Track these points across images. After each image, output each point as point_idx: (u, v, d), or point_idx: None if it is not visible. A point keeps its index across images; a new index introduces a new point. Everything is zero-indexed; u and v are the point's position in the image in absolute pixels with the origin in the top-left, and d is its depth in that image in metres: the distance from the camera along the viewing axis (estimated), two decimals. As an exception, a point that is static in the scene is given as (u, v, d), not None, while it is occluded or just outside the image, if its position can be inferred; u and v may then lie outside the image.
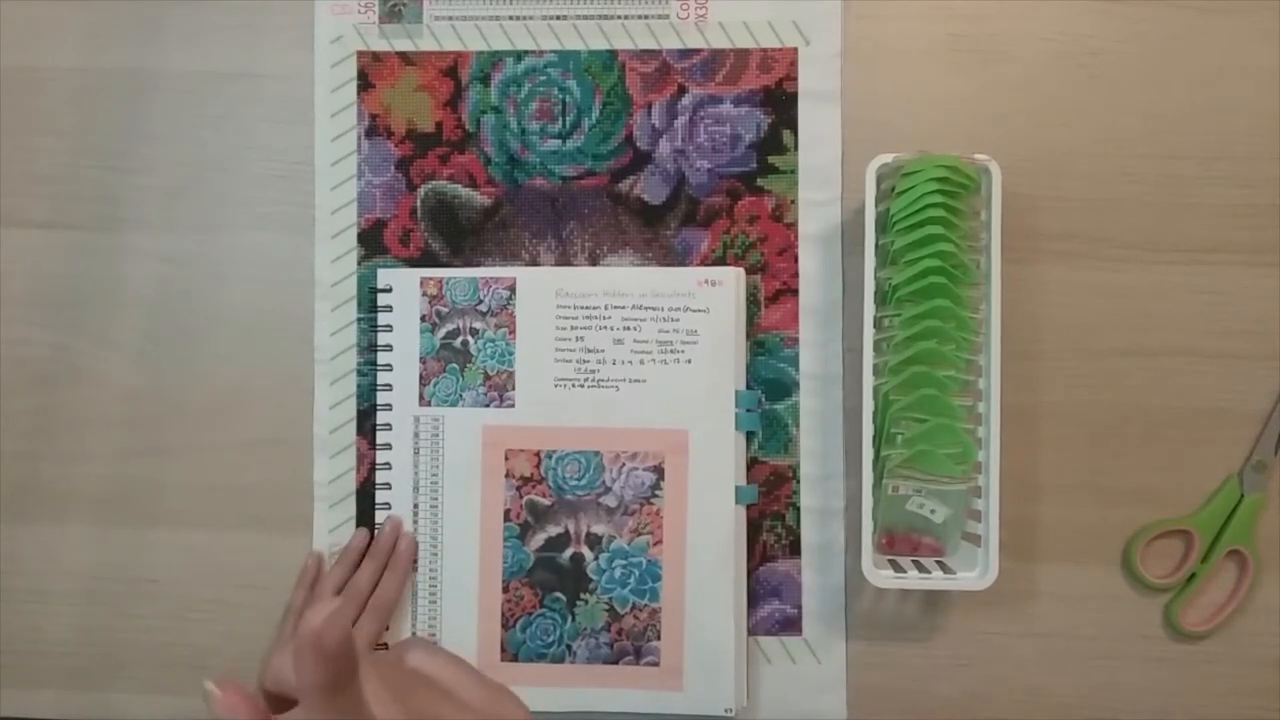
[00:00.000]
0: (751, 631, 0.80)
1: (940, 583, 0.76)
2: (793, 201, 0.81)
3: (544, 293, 0.79)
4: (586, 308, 0.79)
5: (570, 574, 0.79)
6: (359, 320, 0.82)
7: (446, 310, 0.80)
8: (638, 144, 0.81)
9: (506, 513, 0.79)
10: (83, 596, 0.82)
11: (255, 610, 0.81)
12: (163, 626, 0.82)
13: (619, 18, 0.81)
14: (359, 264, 0.82)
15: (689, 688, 0.78)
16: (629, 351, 0.79)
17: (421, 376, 0.80)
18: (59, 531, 0.82)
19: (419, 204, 0.82)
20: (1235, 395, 0.79)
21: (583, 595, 0.79)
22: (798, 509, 0.80)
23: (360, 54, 0.82)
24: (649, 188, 0.81)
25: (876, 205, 0.76)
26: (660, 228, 0.81)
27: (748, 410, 0.79)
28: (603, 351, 0.79)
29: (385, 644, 0.79)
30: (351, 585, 0.77)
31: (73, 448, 0.82)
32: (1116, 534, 0.80)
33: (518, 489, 0.79)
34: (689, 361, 0.78)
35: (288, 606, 0.79)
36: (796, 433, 0.80)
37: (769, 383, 0.80)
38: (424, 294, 0.80)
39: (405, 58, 0.82)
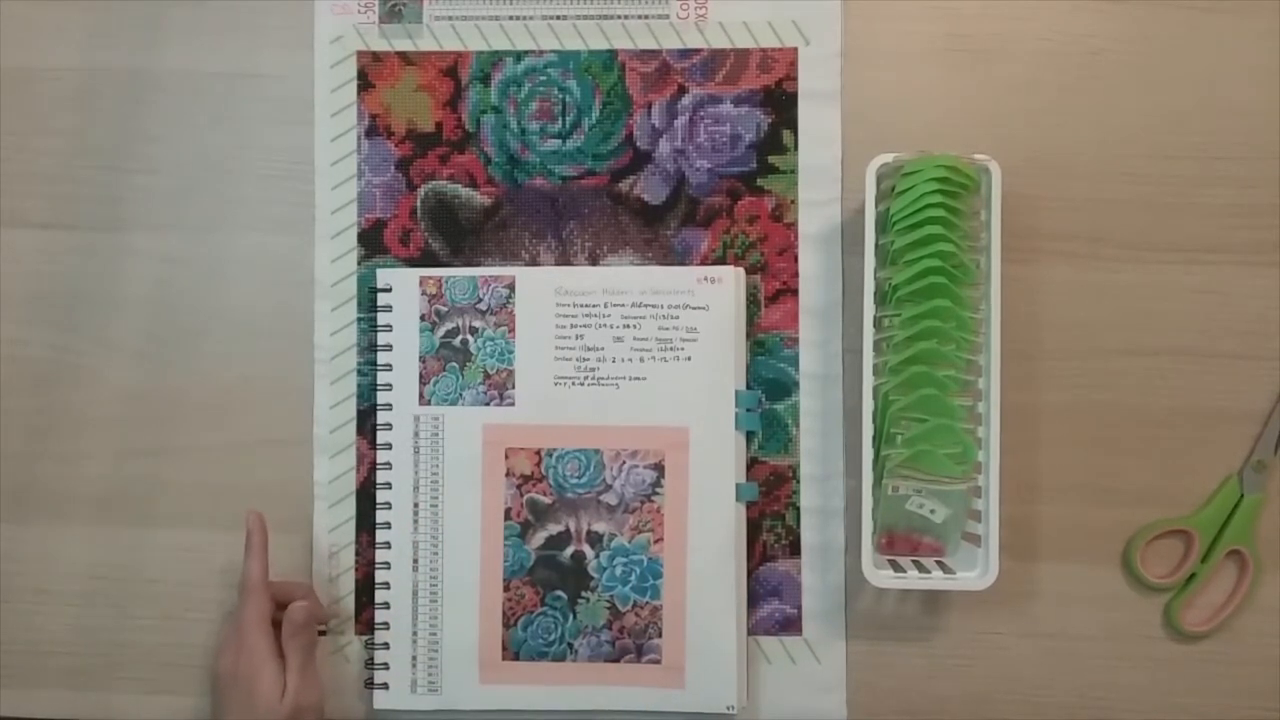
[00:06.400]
0: (751, 631, 0.80)
1: (940, 583, 0.76)
2: (793, 201, 0.81)
3: (543, 291, 0.79)
4: (586, 305, 0.79)
5: (571, 572, 0.79)
6: (359, 320, 0.82)
7: (446, 309, 0.80)
8: (638, 144, 0.81)
9: (507, 511, 0.79)
10: (83, 596, 0.82)
11: (255, 610, 0.81)
12: (163, 626, 0.82)
13: (619, 18, 0.82)
14: (359, 264, 0.82)
15: (691, 685, 0.78)
16: (629, 349, 0.79)
17: (421, 376, 0.80)
18: (59, 531, 0.82)
19: (419, 204, 0.82)
20: (1235, 395, 0.79)
21: (584, 593, 0.79)
22: (798, 509, 0.80)
23: (360, 54, 0.82)
24: (649, 188, 0.81)
25: (876, 205, 0.76)
26: (660, 228, 0.81)
27: (748, 410, 0.79)
28: (602, 349, 0.79)
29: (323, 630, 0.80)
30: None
31: (73, 448, 0.82)
32: (1116, 534, 0.80)
33: (518, 487, 0.79)
34: (689, 359, 0.78)
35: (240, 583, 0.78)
36: (796, 433, 0.80)
37: (769, 383, 0.80)
38: (423, 293, 0.80)
39: (405, 58, 0.82)
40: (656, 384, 0.79)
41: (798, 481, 0.80)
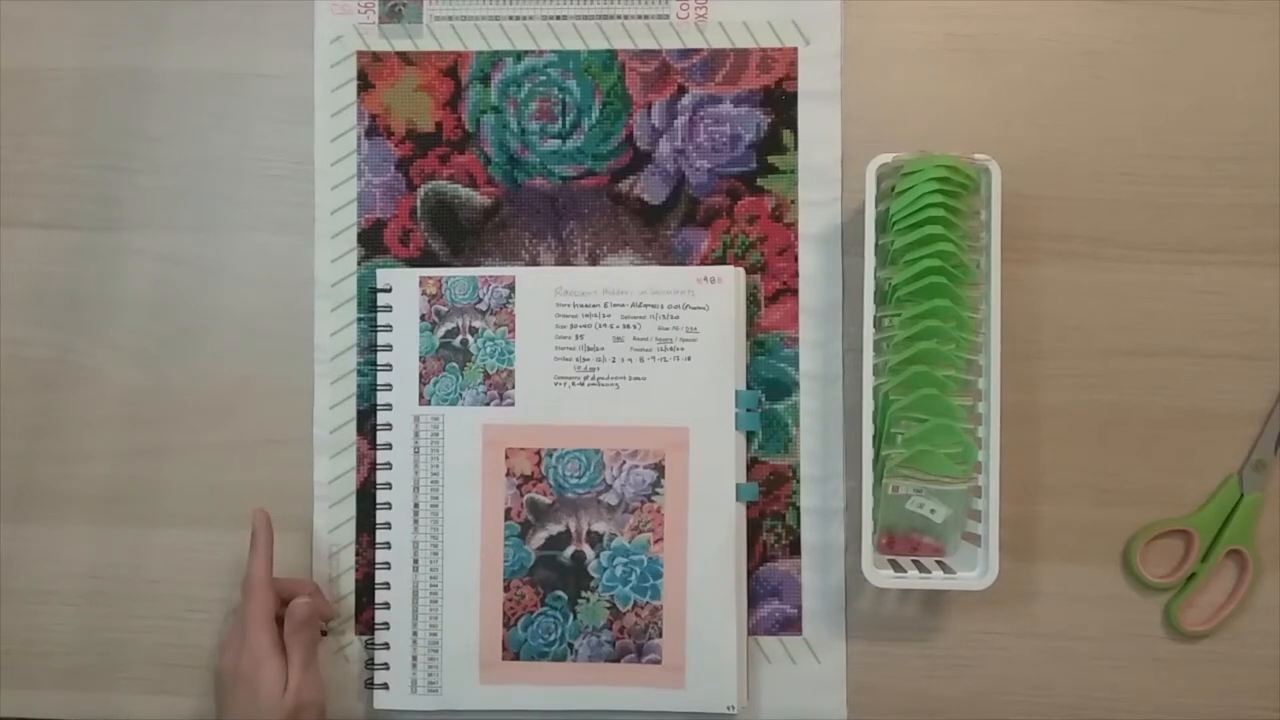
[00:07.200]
0: (751, 631, 0.80)
1: (940, 583, 0.76)
2: (793, 201, 0.81)
3: (543, 291, 0.79)
4: (586, 305, 0.79)
5: (571, 572, 0.79)
6: (359, 320, 0.82)
7: (446, 309, 0.80)
8: (638, 144, 0.81)
9: (507, 511, 0.79)
10: (83, 596, 0.82)
11: (255, 610, 0.81)
12: (163, 626, 0.82)
13: (619, 18, 0.82)
14: (359, 264, 0.82)
15: (691, 685, 0.78)
16: (629, 349, 0.79)
17: (421, 376, 0.80)
18: (59, 531, 0.82)
19: (419, 204, 0.82)
20: (1235, 395, 0.79)
21: (584, 593, 0.79)
22: (798, 509, 0.80)
23: (360, 54, 0.82)
24: (649, 188, 0.81)
25: (876, 205, 0.76)
26: (660, 228, 0.81)
27: (748, 410, 0.79)
28: (602, 349, 0.79)
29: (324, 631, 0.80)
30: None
31: (73, 448, 0.82)
32: (1116, 534, 0.80)
33: (518, 487, 0.79)
34: (689, 359, 0.78)
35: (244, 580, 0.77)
36: (796, 433, 0.80)
37: (769, 383, 0.80)
38: (423, 293, 0.80)
39: (405, 58, 0.82)
40: (656, 384, 0.79)
41: (798, 481, 0.80)
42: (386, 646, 0.80)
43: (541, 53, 0.82)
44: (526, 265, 0.81)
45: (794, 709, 0.80)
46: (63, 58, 0.83)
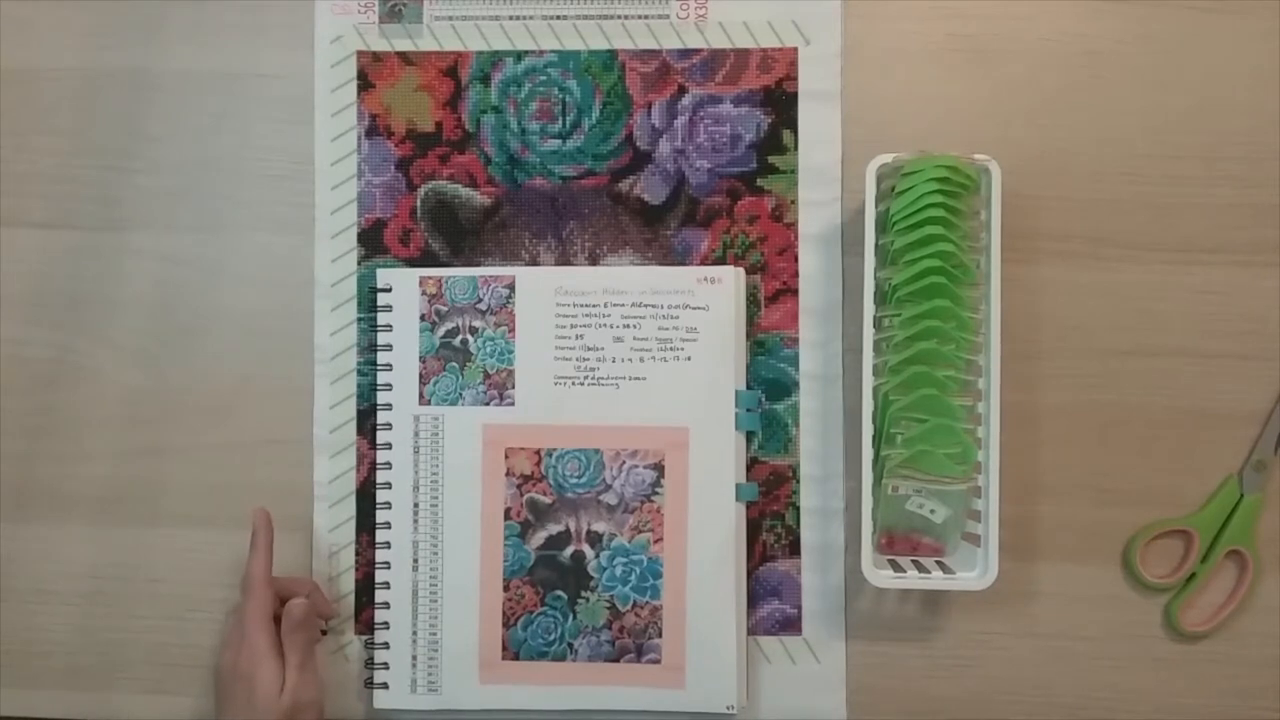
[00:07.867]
0: (751, 631, 0.80)
1: (940, 583, 0.76)
2: (793, 201, 0.81)
3: (543, 291, 0.79)
4: (586, 305, 0.79)
5: (571, 572, 0.79)
6: (359, 320, 0.82)
7: (446, 309, 0.80)
8: (638, 144, 0.81)
9: (507, 511, 0.79)
10: (83, 596, 0.82)
11: (255, 610, 0.81)
12: (163, 626, 0.82)
13: (619, 18, 0.82)
14: (359, 264, 0.82)
15: (691, 685, 0.78)
16: (629, 349, 0.79)
17: (421, 375, 0.80)
18: (59, 531, 0.82)
19: (419, 204, 0.82)
20: (1235, 395, 0.79)
21: (584, 593, 0.79)
22: (798, 509, 0.80)
23: (360, 54, 0.82)
24: (649, 188, 0.81)
25: (876, 205, 0.76)
26: (660, 227, 0.81)
27: (748, 410, 0.79)
28: (602, 349, 0.79)
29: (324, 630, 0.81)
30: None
31: (73, 448, 0.82)
32: (1116, 534, 0.80)
33: (518, 487, 0.79)
34: (689, 359, 0.78)
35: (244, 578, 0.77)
36: (796, 433, 0.80)
37: (769, 383, 0.80)
38: (423, 293, 0.80)
39: (405, 58, 0.82)
40: (656, 384, 0.79)
41: (798, 481, 0.80)
42: (386, 646, 0.80)
43: (541, 53, 0.82)
44: (526, 265, 0.81)
45: (794, 709, 0.80)
46: (63, 58, 0.83)
